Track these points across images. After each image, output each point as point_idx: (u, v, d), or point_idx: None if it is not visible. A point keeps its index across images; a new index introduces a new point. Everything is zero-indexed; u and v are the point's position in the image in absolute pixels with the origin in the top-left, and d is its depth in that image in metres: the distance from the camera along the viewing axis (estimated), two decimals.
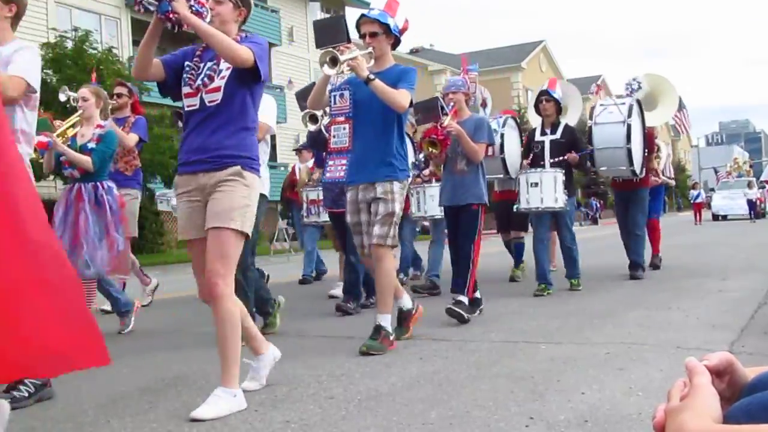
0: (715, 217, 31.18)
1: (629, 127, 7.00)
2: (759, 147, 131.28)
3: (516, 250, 8.29)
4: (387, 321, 4.19)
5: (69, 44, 16.22)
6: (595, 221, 40.76)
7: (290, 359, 3.99)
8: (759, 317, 4.76)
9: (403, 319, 4.56)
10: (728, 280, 7.08)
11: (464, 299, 5.06)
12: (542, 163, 6.65)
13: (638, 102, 7.51)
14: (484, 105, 7.72)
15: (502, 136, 7.37)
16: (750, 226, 22.45)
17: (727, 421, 0.77)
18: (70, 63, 15.59)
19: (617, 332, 4.40)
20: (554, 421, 2.61)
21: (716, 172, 44.61)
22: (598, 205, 44.40)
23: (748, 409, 0.77)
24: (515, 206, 6.82)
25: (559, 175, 6.47)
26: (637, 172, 7.24)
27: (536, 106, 7.08)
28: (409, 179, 5.42)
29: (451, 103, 5.33)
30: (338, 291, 6.76)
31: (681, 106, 9.53)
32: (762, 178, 36.04)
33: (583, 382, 3.15)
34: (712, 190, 39.09)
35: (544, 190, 6.41)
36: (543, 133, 6.80)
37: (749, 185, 30.01)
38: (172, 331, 5.32)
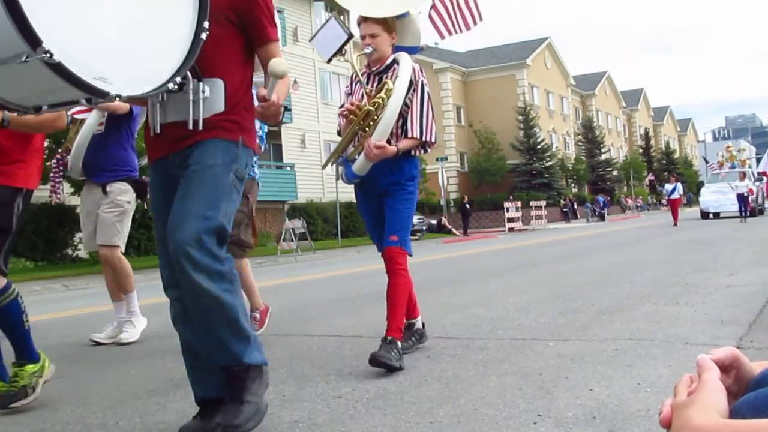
0: (705, 215, 26.44)
1: None
2: (766, 141, 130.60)
3: None
4: None
5: None
6: (602, 217, 40.77)
7: (298, 359, 4.01)
8: (767, 312, 4.74)
9: None
10: (736, 275, 7.06)
11: None
12: None
13: None
14: None
15: None
16: (757, 221, 22.21)
17: (734, 416, 0.76)
18: None
19: (625, 328, 4.39)
20: (562, 418, 2.61)
21: (706, 162, 41.20)
22: (606, 201, 44.30)
23: (754, 404, 0.76)
24: None
25: None
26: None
27: None
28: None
29: None
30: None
31: None
32: (758, 170, 33.76)
33: (591, 379, 3.15)
34: (701, 183, 35.55)
35: None
36: None
37: (742, 176, 24.71)
38: None
